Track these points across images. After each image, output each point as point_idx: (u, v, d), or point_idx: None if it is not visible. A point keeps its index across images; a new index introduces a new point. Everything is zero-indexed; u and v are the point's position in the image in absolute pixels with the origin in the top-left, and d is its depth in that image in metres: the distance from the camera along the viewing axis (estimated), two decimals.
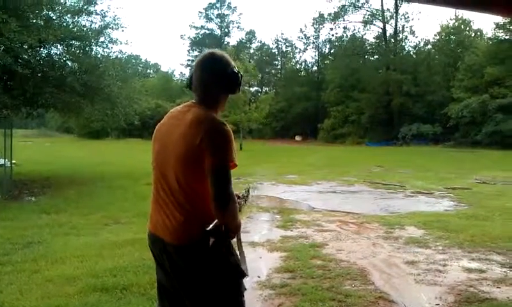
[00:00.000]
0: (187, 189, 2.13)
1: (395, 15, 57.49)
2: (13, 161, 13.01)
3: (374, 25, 60.26)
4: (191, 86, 2.33)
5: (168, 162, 2.18)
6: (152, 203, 2.30)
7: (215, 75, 2.26)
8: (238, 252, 2.31)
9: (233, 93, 2.35)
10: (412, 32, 59.46)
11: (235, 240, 2.30)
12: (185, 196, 2.14)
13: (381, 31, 59.33)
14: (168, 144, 2.21)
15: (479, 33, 53.28)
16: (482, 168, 19.66)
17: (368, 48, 61.96)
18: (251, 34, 77.53)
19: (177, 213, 2.14)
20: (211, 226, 2.10)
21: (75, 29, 14.08)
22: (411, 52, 58.79)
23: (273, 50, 76.74)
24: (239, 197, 2.48)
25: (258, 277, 4.99)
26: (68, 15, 14.36)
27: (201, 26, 75.72)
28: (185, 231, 2.13)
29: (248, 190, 2.58)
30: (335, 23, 62.31)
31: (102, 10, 15.25)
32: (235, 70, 2.31)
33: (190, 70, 2.37)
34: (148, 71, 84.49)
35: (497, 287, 4.77)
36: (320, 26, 66.58)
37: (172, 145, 2.18)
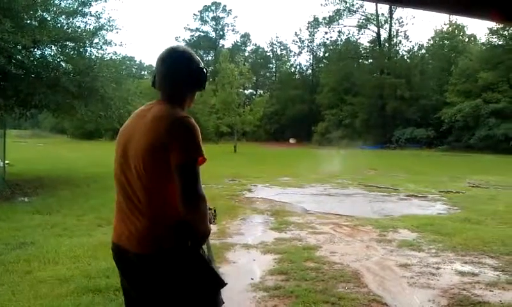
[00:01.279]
0: (152, 192, 1.98)
1: (389, 19, 57.84)
2: (6, 161, 12.95)
3: (369, 29, 60.67)
4: (155, 84, 2.20)
5: (130, 164, 2.04)
6: (116, 213, 2.16)
7: (178, 71, 2.14)
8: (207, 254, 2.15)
9: (198, 89, 2.24)
10: (406, 37, 59.99)
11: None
12: (150, 199, 1.98)
13: (375, 35, 59.66)
14: (129, 146, 2.07)
15: (472, 38, 53.65)
16: (475, 172, 19.76)
17: (362, 52, 62.27)
18: (246, 37, 77.74)
19: (142, 218, 1.99)
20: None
21: (70, 30, 14.01)
22: (405, 57, 59.10)
23: (268, 53, 76.92)
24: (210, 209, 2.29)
25: (252, 279, 4.98)
26: (63, 16, 14.28)
27: (196, 28, 76.01)
28: (151, 238, 1.97)
29: (215, 211, 2.40)
30: (329, 27, 62.73)
31: (97, 12, 15.27)
32: (201, 65, 2.20)
33: (154, 67, 2.26)
34: (143, 72, 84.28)
35: (490, 290, 4.79)
36: (315, 30, 66.97)
37: (133, 146, 2.04)
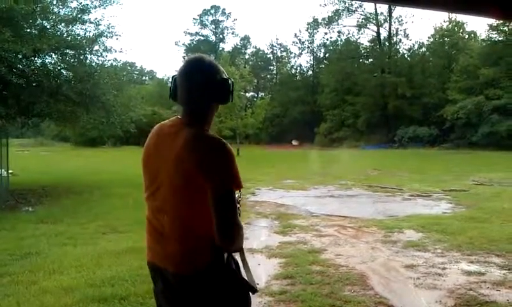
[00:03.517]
0: (187, 218, 1.95)
1: (388, 18, 57.76)
2: (10, 171, 12.95)
3: (368, 28, 60.55)
4: (175, 97, 2.09)
5: (160, 187, 1.99)
6: (148, 230, 2.11)
7: (203, 84, 2.03)
8: (242, 264, 2.15)
9: (224, 102, 2.11)
10: (406, 35, 59.91)
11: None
12: (185, 225, 1.95)
13: (375, 34, 59.58)
14: (160, 170, 2.00)
15: (472, 35, 53.54)
16: (479, 169, 19.69)
17: (362, 51, 62.15)
18: (245, 40, 77.80)
19: (176, 241, 1.96)
20: None
21: (70, 38, 14.04)
22: (406, 55, 58.98)
23: (268, 55, 76.92)
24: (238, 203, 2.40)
25: (257, 284, 4.96)
26: (62, 24, 14.31)
27: (196, 32, 76.04)
28: (187, 260, 1.95)
29: (240, 192, 2.45)
30: (329, 27, 62.71)
31: (96, 19, 15.20)
32: (225, 76, 2.09)
33: (172, 77, 2.13)
34: (144, 78, 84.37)
35: (497, 290, 4.77)
36: (315, 31, 66.95)
37: (165, 172, 1.97)
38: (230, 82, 2.08)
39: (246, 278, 2.10)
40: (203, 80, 2.04)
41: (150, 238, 2.11)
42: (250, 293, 2.10)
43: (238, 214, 1.95)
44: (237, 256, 2.14)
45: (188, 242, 1.96)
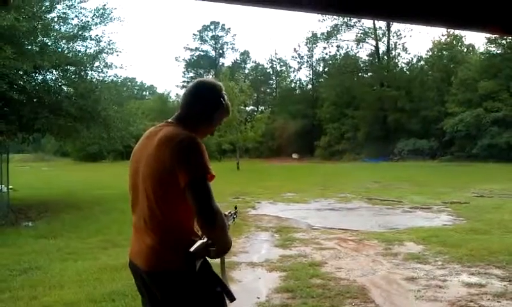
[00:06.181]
0: (159, 213, 2.01)
1: (387, 32, 58.06)
2: (10, 186, 12.95)
3: (367, 43, 60.86)
4: None
5: (140, 185, 2.09)
6: (132, 230, 2.21)
7: (202, 99, 2.21)
8: (221, 275, 2.18)
9: (209, 121, 2.26)
10: (404, 49, 60.00)
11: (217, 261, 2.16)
12: (158, 220, 2.02)
13: (373, 48, 59.88)
14: (139, 168, 2.11)
15: (471, 48, 53.78)
16: (479, 181, 19.69)
17: (361, 65, 62.41)
18: (245, 55, 78.08)
19: (149, 238, 2.03)
20: (195, 247, 1.92)
21: (70, 55, 14.11)
22: (405, 69, 59.17)
23: (268, 70, 77.13)
24: (226, 216, 2.43)
25: (258, 298, 4.96)
26: (63, 41, 14.39)
27: (196, 48, 76.32)
28: (157, 258, 2.02)
29: (236, 208, 2.50)
30: (328, 42, 62.90)
31: (97, 35, 15.30)
32: (222, 100, 2.24)
33: None
34: (144, 93, 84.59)
35: (497, 301, 4.76)
36: (314, 45, 67.15)
37: (142, 169, 2.08)
38: (222, 105, 2.25)
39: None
40: (201, 96, 2.22)
41: (132, 235, 2.21)
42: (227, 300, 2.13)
43: (214, 200, 1.96)
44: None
45: (161, 237, 2.02)
